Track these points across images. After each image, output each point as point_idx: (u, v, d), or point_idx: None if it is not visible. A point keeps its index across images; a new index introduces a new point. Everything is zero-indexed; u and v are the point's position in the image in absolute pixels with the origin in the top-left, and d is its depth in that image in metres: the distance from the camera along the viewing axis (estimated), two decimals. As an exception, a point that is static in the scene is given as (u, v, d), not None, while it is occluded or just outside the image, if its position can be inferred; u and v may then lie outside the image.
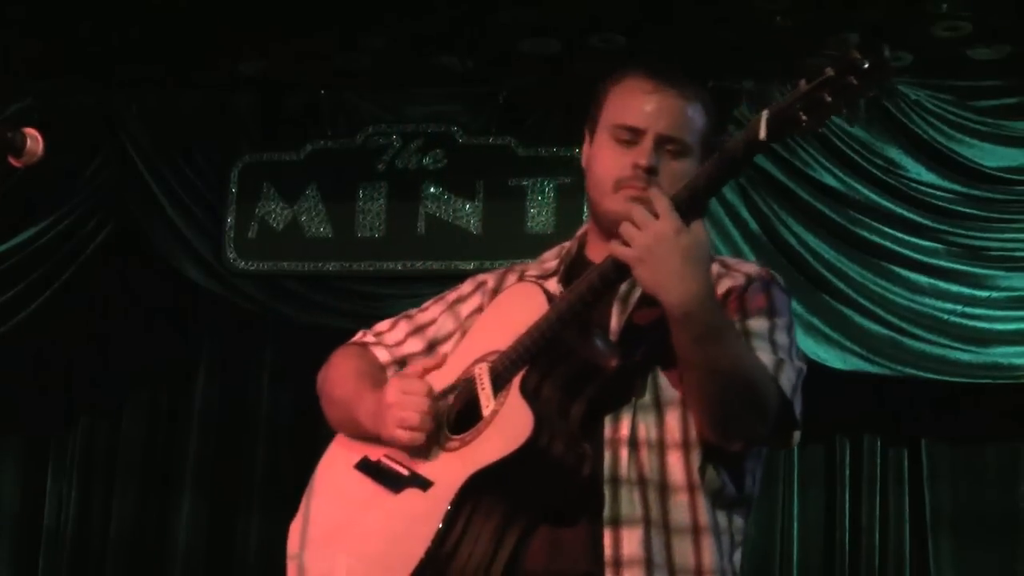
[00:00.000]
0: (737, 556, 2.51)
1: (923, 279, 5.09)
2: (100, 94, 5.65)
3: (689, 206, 2.27)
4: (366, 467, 2.57)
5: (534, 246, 3.36)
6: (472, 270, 3.96)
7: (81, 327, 5.85)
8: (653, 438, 2.44)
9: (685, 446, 2.44)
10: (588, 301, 2.37)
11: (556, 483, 2.38)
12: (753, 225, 5.23)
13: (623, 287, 2.47)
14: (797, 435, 2.59)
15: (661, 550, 2.40)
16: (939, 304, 5.05)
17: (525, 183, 5.28)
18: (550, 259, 2.72)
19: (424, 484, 2.43)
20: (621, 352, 2.42)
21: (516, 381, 2.39)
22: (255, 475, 5.63)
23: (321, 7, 4.92)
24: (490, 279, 2.76)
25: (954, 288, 5.06)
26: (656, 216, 2.24)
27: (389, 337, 2.76)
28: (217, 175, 5.62)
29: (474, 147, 5.40)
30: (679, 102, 2.51)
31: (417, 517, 2.39)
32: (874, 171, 5.13)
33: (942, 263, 5.09)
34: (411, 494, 2.44)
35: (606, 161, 2.53)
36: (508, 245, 5.13)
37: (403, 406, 2.44)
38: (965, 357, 4.98)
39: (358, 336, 2.82)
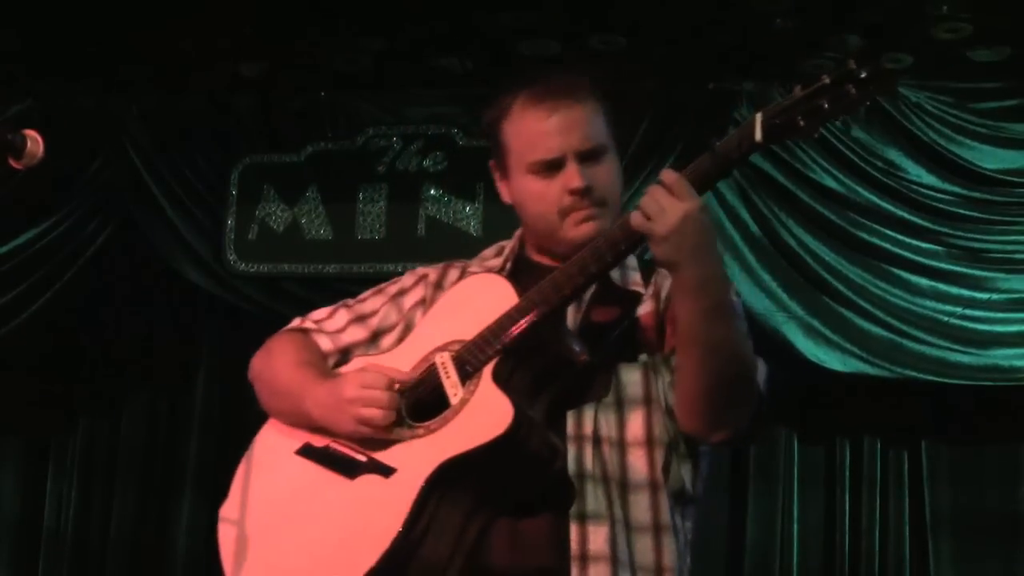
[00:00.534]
0: (688, 558, 2.54)
1: (923, 281, 5.08)
2: (101, 96, 5.65)
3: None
4: (311, 453, 2.54)
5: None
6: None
7: (81, 329, 5.85)
8: (615, 436, 2.46)
9: (649, 444, 2.47)
10: (593, 273, 2.39)
11: (527, 475, 2.39)
12: (753, 227, 5.23)
13: None
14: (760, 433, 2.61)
15: (624, 548, 2.42)
16: (939, 306, 5.05)
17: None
18: (491, 257, 2.73)
19: (386, 471, 2.41)
20: (589, 348, 2.44)
21: (487, 370, 2.39)
22: (255, 477, 5.63)
23: (321, 9, 4.92)
24: (431, 272, 2.76)
25: (954, 290, 5.06)
26: (672, 193, 2.26)
27: (329, 324, 2.74)
28: (217, 177, 5.62)
29: (474, 149, 5.40)
30: (576, 111, 2.52)
31: (381, 503, 2.37)
32: (874, 173, 5.13)
33: (942, 265, 5.08)
34: (371, 480, 2.42)
35: (540, 198, 2.54)
36: (508, 247, 5.13)
37: (364, 402, 2.43)
38: (965, 359, 4.98)
39: (295, 323, 2.79)
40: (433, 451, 2.36)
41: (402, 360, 2.54)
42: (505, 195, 2.65)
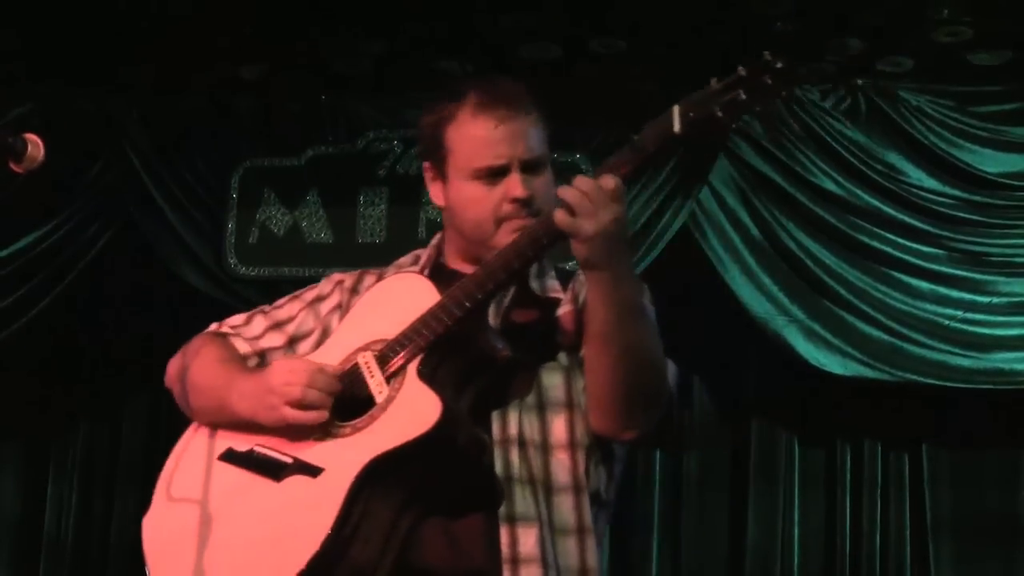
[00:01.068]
0: (604, 559, 2.55)
1: (924, 285, 5.08)
2: (101, 99, 5.65)
3: None
4: (234, 457, 2.52)
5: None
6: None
7: (82, 332, 5.86)
8: (538, 439, 2.47)
9: (571, 447, 2.48)
10: (515, 268, 2.40)
11: (456, 470, 2.39)
12: (754, 231, 5.22)
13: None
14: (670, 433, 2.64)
15: (551, 550, 2.43)
16: (940, 310, 5.04)
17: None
18: (407, 264, 2.74)
19: (313, 471, 2.39)
20: (510, 345, 2.45)
21: (411, 368, 2.40)
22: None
23: (321, 12, 4.92)
24: (347, 278, 2.76)
25: (955, 294, 5.06)
26: (609, 197, 2.28)
27: (246, 331, 2.74)
28: (218, 180, 5.62)
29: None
30: (521, 121, 2.54)
31: (309, 504, 2.35)
32: (875, 177, 5.13)
33: (943, 269, 5.08)
34: (298, 481, 2.40)
35: (478, 203, 2.54)
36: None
37: (294, 384, 2.41)
38: (965, 363, 4.97)
39: (212, 328, 2.79)
40: (361, 449, 2.35)
41: (324, 361, 2.52)
42: (438, 198, 2.65)
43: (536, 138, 2.55)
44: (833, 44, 5.00)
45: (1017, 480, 5.25)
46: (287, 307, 2.77)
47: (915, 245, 5.11)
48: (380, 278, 2.70)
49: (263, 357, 2.68)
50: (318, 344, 2.65)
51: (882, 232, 5.12)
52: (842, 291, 5.10)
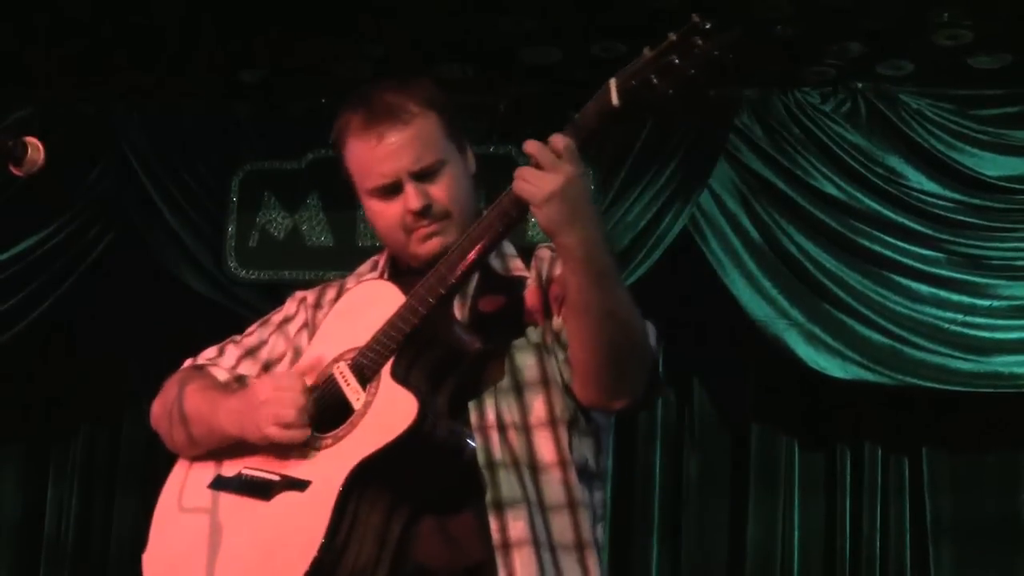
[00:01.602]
0: (599, 530, 2.55)
1: (924, 288, 5.08)
2: (101, 103, 5.65)
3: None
4: (223, 483, 2.55)
5: (535, 255, 3.35)
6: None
7: (82, 335, 5.86)
8: (518, 421, 2.47)
9: (552, 424, 2.48)
10: (486, 245, 2.39)
11: (439, 467, 2.40)
12: (754, 234, 5.23)
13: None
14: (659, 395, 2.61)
15: (543, 528, 2.43)
16: (940, 313, 5.05)
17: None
18: (366, 272, 2.75)
19: (300, 485, 2.41)
20: (481, 336, 2.46)
21: (385, 371, 2.40)
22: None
23: (322, 15, 4.92)
24: (309, 295, 2.78)
25: (955, 297, 5.06)
26: (558, 156, 2.28)
27: (222, 362, 2.75)
28: (218, 184, 5.62)
29: (475, 156, 5.40)
30: (404, 132, 2.51)
31: (300, 517, 2.37)
32: (875, 180, 5.14)
33: (943, 272, 5.08)
34: (287, 497, 2.42)
35: (383, 218, 2.56)
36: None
37: (280, 403, 2.42)
38: (965, 366, 4.98)
39: (187, 363, 2.80)
40: (344, 457, 2.36)
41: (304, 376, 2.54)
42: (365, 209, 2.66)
43: (426, 144, 2.52)
44: (833, 48, 5.00)
45: (1017, 484, 5.25)
46: (256, 333, 2.79)
47: (915, 248, 5.11)
48: (341, 289, 2.73)
49: (242, 382, 2.69)
50: (292, 365, 2.67)
51: (882, 235, 5.13)
52: (842, 294, 5.10)
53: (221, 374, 2.71)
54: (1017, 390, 4.96)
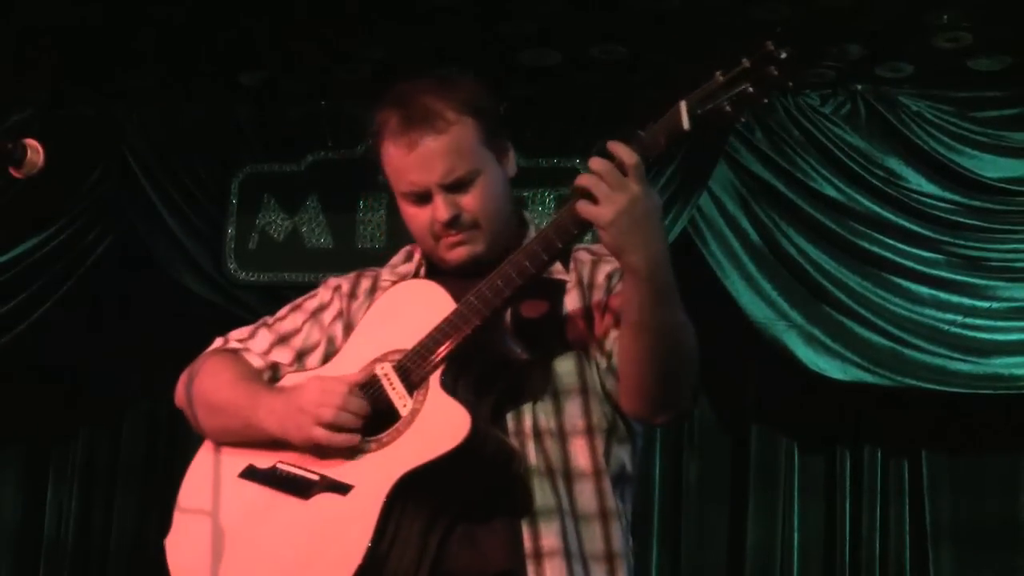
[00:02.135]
0: (630, 539, 2.53)
1: (923, 290, 5.08)
2: (101, 105, 5.66)
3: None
4: (256, 475, 2.51)
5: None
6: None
7: (82, 337, 5.85)
8: (553, 427, 2.45)
9: (588, 432, 2.47)
10: (544, 261, 2.36)
11: (486, 480, 2.38)
12: (754, 236, 5.23)
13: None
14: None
15: (575, 539, 2.42)
16: (939, 315, 5.04)
17: (525, 194, 5.29)
18: (401, 263, 2.72)
19: (343, 488, 2.37)
20: (527, 347, 2.44)
21: (434, 379, 2.38)
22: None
23: (321, 17, 4.92)
24: (344, 283, 2.74)
25: (954, 299, 5.06)
26: (623, 171, 2.22)
27: (254, 345, 2.71)
28: (218, 186, 5.62)
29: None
30: (438, 142, 2.47)
31: (343, 521, 2.34)
32: (875, 182, 5.14)
33: (942, 274, 5.08)
34: (328, 499, 2.38)
35: (414, 220, 2.54)
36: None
37: (330, 406, 2.38)
38: (965, 368, 4.97)
39: (218, 343, 2.76)
40: (391, 464, 2.33)
41: (339, 373, 2.50)
42: None
43: (459, 155, 2.48)
44: (833, 50, 5.00)
45: (1017, 486, 5.25)
46: (290, 319, 2.74)
47: (915, 250, 5.11)
48: (376, 281, 2.70)
49: (275, 370, 2.66)
50: (325, 355, 2.64)
51: (882, 237, 5.12)
52: (842, 296, 5.10)
53: (255, 360, 2.67)
54: (1017, 391, 4.95)
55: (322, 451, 2.42)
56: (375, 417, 2.41)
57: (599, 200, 2.22)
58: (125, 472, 5.89)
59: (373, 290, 2.69)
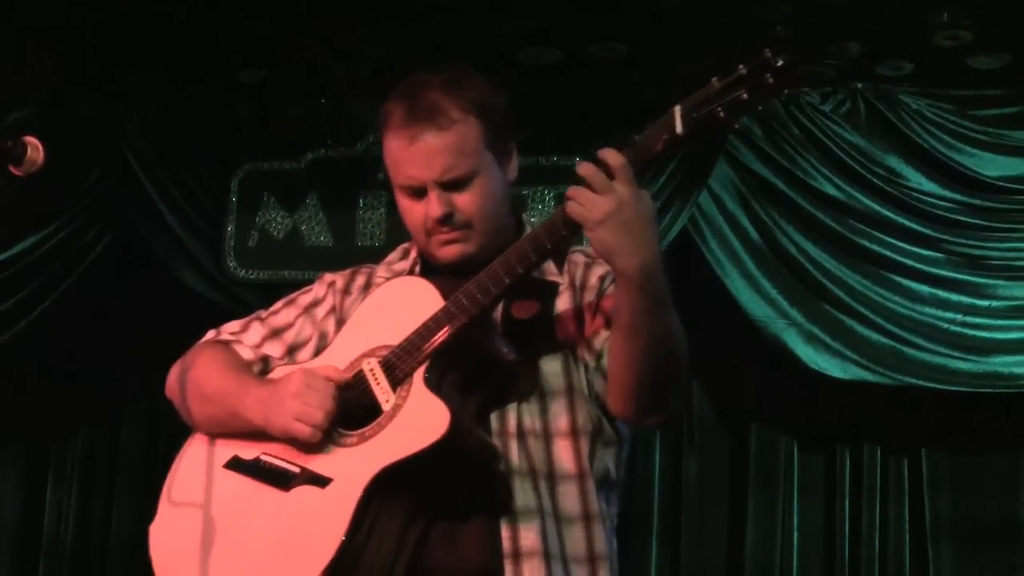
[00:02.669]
0: (614, 542, 2.53)
1: (923, 288, 5.08)
2: (101, 103, 5.66)
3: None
4: (240, 466, 2.52)
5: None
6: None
7: (81, 336, 5.85)
8: (538, 428, 2.46)
9: (573, 434, 2.47)
10: (533, 262, 2.37)
11: (465, 477, 2.38)
12: (753, 234, 5.22)
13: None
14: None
15: (556, 540, 2.42)
16: (939, 313, 5.04)
17: (525, 192, 5.29)
18: (397, 260, 2.73)
19: (322, 481, 2.39)
20: (515, 347, 2.44)
21: (417, 375, 2.38)
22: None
23: (320, 16, 4.92)
24: (338, 279, 2.75)
25: (954, 297, 5.06)
26: (612, 177, 2.22)
27: (246, 338, 2.72)
28: (217, 184, 5.63)
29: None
30: (440, 138, 2.47)
31: (320, 513, 2.35)
32: (874, 180, 5.13)
33: (942, 272, 5.08)
34: (307, 491, 2.40)
35: (409, 214, 2.55)
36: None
37: (307, 399, 2.40)
38: (965, 366, 4.97)
39: (210, 335, 2.78)
40: (370, 459, 2.34)
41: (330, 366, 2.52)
42: None
43: (460, 154, 2.48)
44: (833, 48, 5.00)
45: (1017, 484, 5.25)
46: (283, 313, 2.76)
47: (915, 249, 5.11)
48: (371, 278, 2.71)
49: (266, 363, 2.68)
50: (317, 350, 2.65)
51: (882, 236, 5.12)
52: (842, 295, 5.10)
53: (246, 352, 2.69)
54: (1016, 390, 4.95)
55: (305, 444, 2.43)
56: (360, 412, 2.42)
57: (585, 204, 2.23)
58: (125, 471, 5.88)
59: (367, 287, 2.70)
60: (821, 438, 5.40)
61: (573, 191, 2.24)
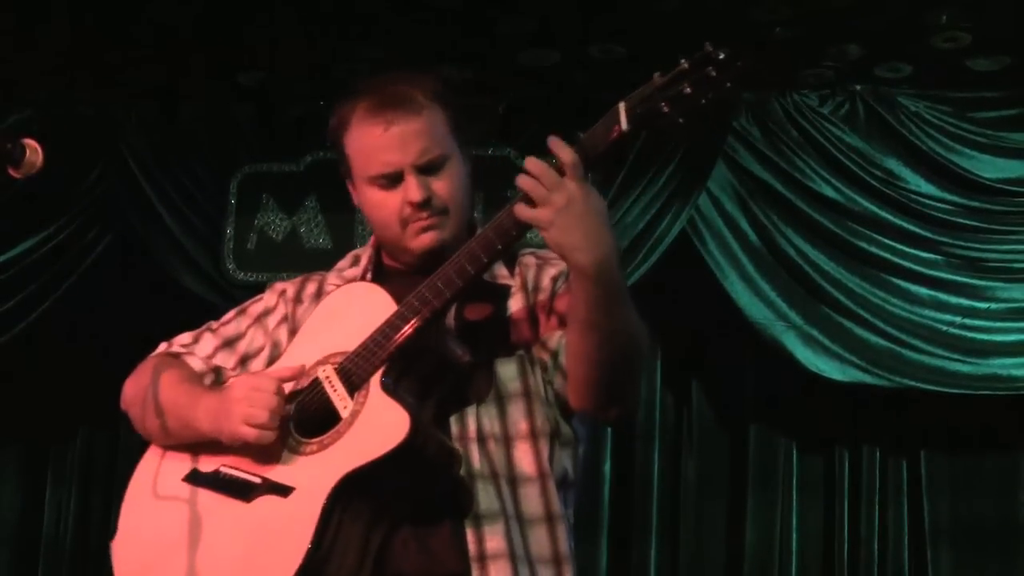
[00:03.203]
0: (572, 542, 2.52)
1: (922, 290, 5.09)
2: (100, 105, 5.65)
3: None
4: (199, 478, 2.50)
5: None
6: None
7: (80, 337, 5.85)
8: (498, 432, 2.45)
9: (532, 436, 2.46)
10: (484, 263, 2.36)
11: (427, 481, 2.37)
12: (752, 237, 5.23)
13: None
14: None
15: (520, 542, 2.41)
16: (938, 315, 5.05)
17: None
18: (347, 267, 2.72)
19: (283, 490, 2.37)
20: (470, 349, 2.43)
21: (374, 380, 2.37)
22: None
23: (320, 18, 4.92)
24: (289, 288, 2.74)
25: (953, 300, 5.06)
26: (562, 173, 2.22)
27: (197, 349, 2.71)
28: (216, 186, 5.62)
29: (473, 158, 5.39)
30: (413, 123, 2.48)
31: (283, 523, 2.33)
32: (873, 182, 5.14)
33: (941, 274, 5.09)
34: (268, 501, 2.38)
35: (381, 208, 2.52)
36: (508, 256, 5.13)
37: (252, 402, 2.38)
38: (964, 369, 4.98)
39: (162, 348, 2.78)
40: (330, 467, 2.32)
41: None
42: (354, 199, 2.63)
43: (433, 137, 2.49)
44: (832, 50, 5.00)
45: (1015, 486, 5.25)
46: (235, 323, 2.75)
47: (913, 251, 5.11)
48: (322, 284, 2.71)
49: (218, 373, 2.67)
50: (270, 359, 2.64)
51: (880, 238, 5.13)
52: (840, 297, 5.10)
53: (197, 363, 2.67)
54: (1015, 392, 4.96)
55: (265, 454, 2.42)
56: (318, 419, 2.41)
57: (537, 202, 2.22)
58: (124, 471, 5.79)
59: (319, 294, 2.68)
60: (820, 440, 5.40)
61: (523, 184, 2.24)
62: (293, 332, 2.64)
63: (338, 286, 2.63)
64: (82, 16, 4.92)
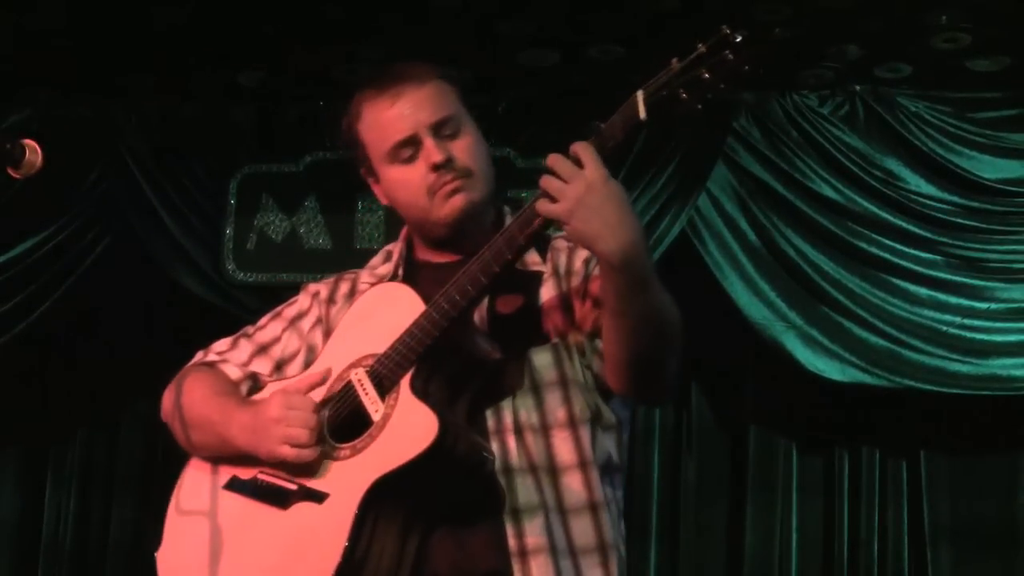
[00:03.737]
0: (622, 525, 2.52)
1: (922, 291, 5.09)
2: (99, 105, 5.65)
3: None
4: (239, 486, 2.53)
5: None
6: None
7: (80, 338, 5.85)
8: (535, 422, 2.44)
9: (571, 424, 2.45)
10: (508, 260, 2.35)
11: (457, 480, 2.37)
12: (752, 237, 5.23)
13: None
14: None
15: (561, 534, 2.41)
16: (938, 316, 5.05)
17: (524, 194, 5.27)
18: (380, 264, 2.72)
19: (319, 497, 2.39)
20: (500, 344, 2.43)
21: (404, 382, 2.37)
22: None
23: (320, 18, 4.92)
24: (322, 289, 2.74)
25: (953, 300, 5.06)
26: (580, 165, 2.21)
27: (233, 356, 2.71)
28: (216, 186, 5.62)
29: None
30: (420, 90, 2.51)
31: (318, 530, 2.35)
32: (873, 183, 5.14)
33: (941, 275, 5.09)
34: (305, 508, 2.40)
35: (406, 183, 2.52)
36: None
37: (289, 422, 2.40)
38: (964, 369, 4.98)
39: (198, 357, 2.77)
40: (363, 471, 2.34)
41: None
42: (382, 198, 2.63)
43: (441, 100, 2.52)
44: (832, 50, 5.00)
45: (1015, 487, 5.25)
46: (270, 327, 2.75)
47: (913, 251, 5.11)
48: (354, 284, 2.70)
49: (255, 380, 2.67)
50: (305, 363, 2.65)
51: (880, 238, 5.13)
52: (840, 297, 5.10)
53: (233, 371, 2.68)
54: (1015, 392, 4.96)
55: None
56: (351, 423, 2.42)
57: (555, 196, 2.22)
58: (123, 473, 5.88)
59: (352, 294, 2.68)
60: (820, 440, 5.40)
61: (544, 183, 2.23)
62: (328, 334, 2.64)
63: (371, 284, 2.63)
64: (82, 16, 4.92)
